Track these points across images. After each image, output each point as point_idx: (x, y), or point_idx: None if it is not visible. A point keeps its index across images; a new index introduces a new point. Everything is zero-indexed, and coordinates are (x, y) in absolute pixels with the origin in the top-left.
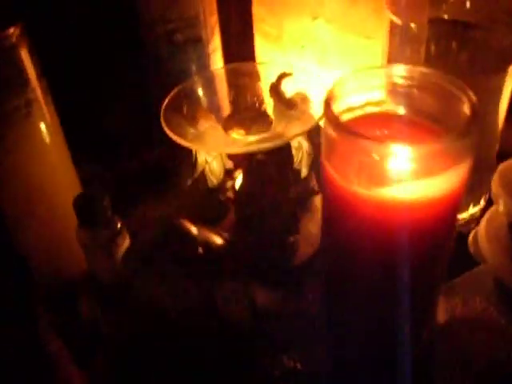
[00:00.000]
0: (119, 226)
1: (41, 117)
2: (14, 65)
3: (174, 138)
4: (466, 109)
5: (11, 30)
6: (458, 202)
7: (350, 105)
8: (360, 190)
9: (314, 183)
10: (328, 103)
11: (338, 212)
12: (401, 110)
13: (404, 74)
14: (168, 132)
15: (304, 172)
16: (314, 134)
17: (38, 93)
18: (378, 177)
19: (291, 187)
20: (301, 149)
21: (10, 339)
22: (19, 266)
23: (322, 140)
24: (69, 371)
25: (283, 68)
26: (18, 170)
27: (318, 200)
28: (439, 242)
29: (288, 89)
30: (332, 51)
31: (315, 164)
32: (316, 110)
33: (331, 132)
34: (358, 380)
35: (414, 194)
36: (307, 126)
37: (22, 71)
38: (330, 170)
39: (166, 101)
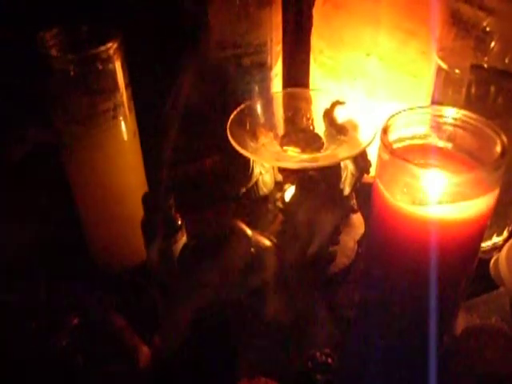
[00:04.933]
0: (179, 222)
1: (124, 120)
2: (109, 74)
3: (238, 148)
4: (498, 148)
5: (110, 44)
6: (484, 225)
7: (400, 136)
8: (403, 205)
9: (354, 202)
10: (385, 132)
11: (384, 223)
12: (442, 144)
13: (447, 114)
14: (233, 143)
15: (347, 190)
16: (359, 158)
17: (125, 99)
18: (420, 196)
19: (336, 203)
20: (346, 170)
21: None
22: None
23: (377, 162)
24: (134, 343)
25: (336, 96)
26: (100, 165)
27: (355, 217)
28: (465, 257)
29: (339, 116)
30: (381, 86)
31: (357, 184)
32: (363, 137)
33: (385, 156)
34: (383, 377)
35: (448, 214)
36: (355, 151)
37: (114, 80)
38: (381, 187)
39: (232, 116)
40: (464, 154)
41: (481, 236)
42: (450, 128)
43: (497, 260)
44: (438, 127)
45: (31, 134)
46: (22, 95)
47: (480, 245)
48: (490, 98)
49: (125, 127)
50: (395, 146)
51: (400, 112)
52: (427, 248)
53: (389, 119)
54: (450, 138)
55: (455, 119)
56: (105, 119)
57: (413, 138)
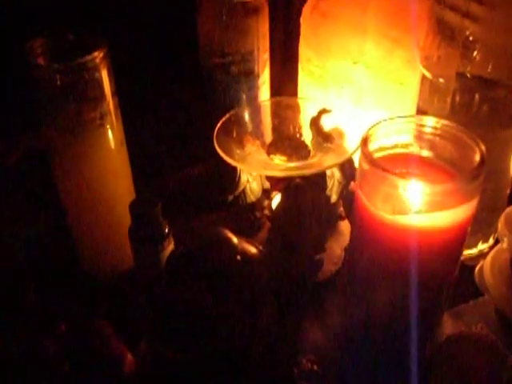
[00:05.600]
0: (167, 230)
1: (111, 128)
2: (96, 83)
3: (225, 157)
4: (477, 157)
5: (96, 53)
6: (464, 233)
7: (381, 145)
8: (384, 215)
9: (341, 209)
10: (365, 142)
11: (365, 232)
12: (424, 153)
13: (428, 123)
14: (219, 151)
15: (334, 198)
16: (345, 166)
17: (111, 108)
18: (400, 206)
19: (323, 210)
20: (333, 177)
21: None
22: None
23: (357, 171)
24: (120, 351)
25: (323, 105)
26: (88, 173)
27: (343, 224)
28: (446, 265)
29: (326, 124)
30: (368, 93)
31: (344, 192)
32: (349, 145)
33: (365, 166)
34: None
35: (428, 223)
36: (341, 158)
37: (101, 88)
38: (362, 196)
39: (219, 124)
40: (445, 163)
41: (461, 244)
42: (431, 137)
43: (481, 268)
44: (419, 136)
45: (24, 140)
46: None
47: (461, 252)
48: (475, 107)
49: (112, 135)
50: (377, 155)
51: (381, 122)
52: (408, 257)
53: (369, 129)
54: (430, 147)
55: (436, 128)
56: (92, 128)
57: (394, 147)
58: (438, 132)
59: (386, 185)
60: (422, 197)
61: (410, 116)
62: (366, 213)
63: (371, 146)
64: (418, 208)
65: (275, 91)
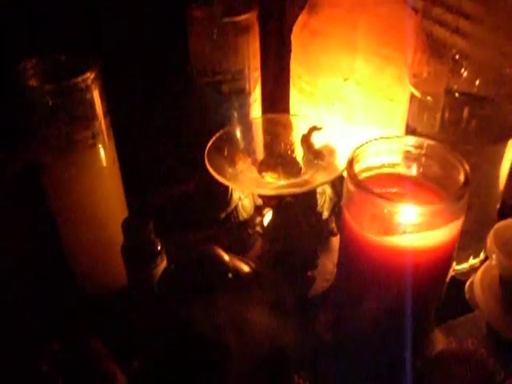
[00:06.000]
0: (159, 248)
1: (103, 148)
2: (87, 103)
3: (216, 175)
4: (461, 177)
5: (88, 74)
6: (451, 252)
7: (368, 165)
8: (371, 236)
9: (333, 225)
10: (351, 163)
11: (352, 252)
12: (410, 172)
13: (415, 143)
14: (210, 170)
15: (325, 215)
16: (336, 182)
17: (103, 127)
18: (386, 227)
19: (314, 227)
20: (324, 194)
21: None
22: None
23: (344, 192)
24: (112, 370)
25: (314, 122)
26: (80, 192)
27: (335, 240)
28: (434, 284)
29: (317, 141)
30: (359, 110)
31: (336, 208)
32: (340, 162)
33: (351, 187)
34: None
35: (415, 243)
36: (332, 176)
37: (92, 108)
38: (348, 216)
39: (210, 143)
40: (431, 182)
41: (448, 262)
42: (417, 157)
43: (471, 283)
44: (405, 156)
45: (21, 154)
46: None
47: (449, 270)
48: (464, 123)
49: (104, 155)
50: (364, 174)
51: (367, 142)
52: (395, 277)
53: (355, 150)
54: (417, 167)
55: (422, 148)
56: (83, 147)
57: (381, 166)
58: (424, 152)
59: (371, 206)
60: (408, 218)
61: (396, 136)
62: (352, 233)
63: (358, 167)
64: (404, 229)
65: (267, 108)
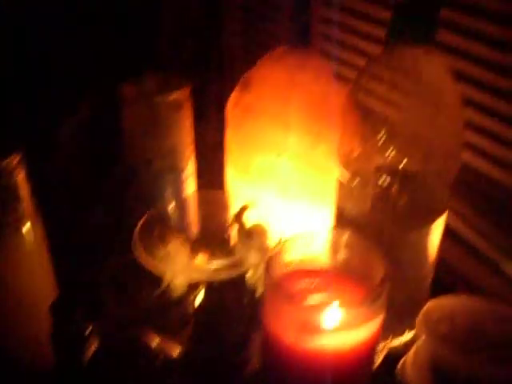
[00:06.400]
0: (88, 331)
1: (28, 231)
2: (10, 187)
3: (142, 260)
4: (380, 274)
5: (11, 158)
6: (371, 348)
7: (289, 260)
8: (285, 337)
9: None
10: (267, 269)
11: (272, 354)
12: (332, 265)
13: (334, 236)
14: (137, 254)
15: (259, 291)
16: None
17: (28, 210)
18: (304, 330)
19: (245, 308)
20: (259, 266)
21: None
22: None
23: (264, 288)
24: None
25: (249, 199)
26: (5, 276)
27: None
28: (357, 378)
29: (251, 219)
30: (293, 184)
31: None
32: (272, 240)
33: (269, 291)
34: None
35: (336, 343)
36: (261, 258)
37: (16, 193)
38: (265, 316)
39: (139, 224)
40: (353, 275)
41: (369, 359)
42: (338, 249)
43: (403, 364)
44: (326, 249)
45: None
46: None
47: (370, 366)
48: (392, 200)
49: (30, 237)
50: (284, 270)
51: (286, 240)
52: (315, 377)
53: (273, 249)
54: (338, 259)
55: (342, 241)
56: (8, 232)
57: (302, 261)
58: (344, 245)
59: (287, 309)
60: (324, 319)
61: (315, 231)
62: (268, 334)
63: (276, 264)
64: (321, 330)
65: (202, 184)
